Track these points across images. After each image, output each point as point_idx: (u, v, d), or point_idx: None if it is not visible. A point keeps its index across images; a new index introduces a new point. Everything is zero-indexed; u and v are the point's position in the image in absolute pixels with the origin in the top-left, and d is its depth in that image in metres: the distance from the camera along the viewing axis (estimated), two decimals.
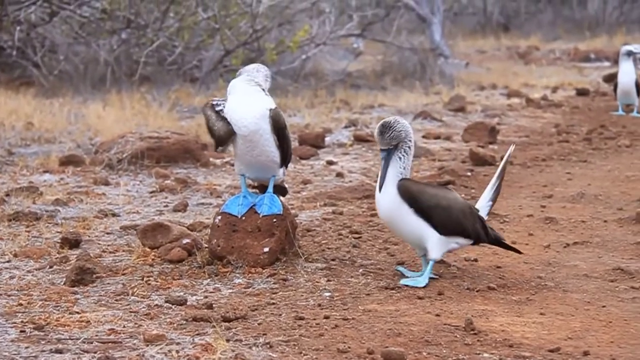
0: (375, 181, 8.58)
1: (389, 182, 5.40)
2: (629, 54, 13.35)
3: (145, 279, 5.53)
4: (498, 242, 5.70)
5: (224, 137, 5.80)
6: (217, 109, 5.83)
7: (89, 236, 6.50)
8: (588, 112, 14.06)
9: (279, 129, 5.76)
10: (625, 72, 13.34)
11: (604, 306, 5.15)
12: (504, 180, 5.86)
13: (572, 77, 19.31)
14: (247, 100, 5.74)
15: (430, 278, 5.49)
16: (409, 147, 5.40)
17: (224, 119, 5.77)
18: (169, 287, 5.39)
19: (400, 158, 5.39)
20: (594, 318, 4.95)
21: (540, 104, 14.75)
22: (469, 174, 9.00)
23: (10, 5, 14.40)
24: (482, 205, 5.74)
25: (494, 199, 5.79)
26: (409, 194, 5.38)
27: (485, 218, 5.68)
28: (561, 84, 17.67)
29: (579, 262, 6.03)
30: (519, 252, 5.82)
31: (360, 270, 5.75)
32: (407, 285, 5.43)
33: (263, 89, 5.80)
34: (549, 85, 17.35)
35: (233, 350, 4.35)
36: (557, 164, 9.72)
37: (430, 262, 5.48)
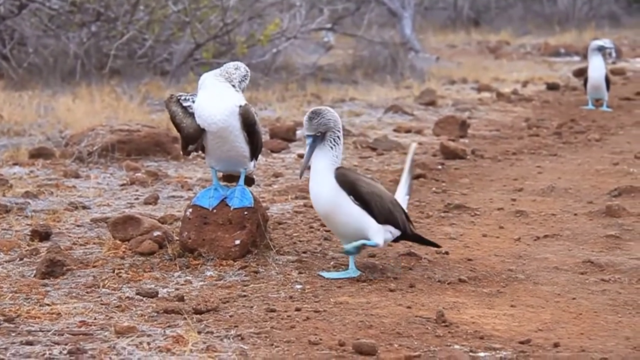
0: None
1: (325, 173, 5.39)
2: (600, 49, 13.41)
3: (116, 271, 5.51)
4: (419, 237, 5.75)
5: (194, 134, 5.77)
6: (185, 104, 5.80)
7: (59, 229, 6.48)
8: (558, 106, 14.13)
9: (248, 125, 5.73)
10: (596, 67, 13.40)
11: (574, 298, 5.18)
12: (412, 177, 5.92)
13: (542, 71, 19.38)
14: (217, 96, 5.70)
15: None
16: (338, 137, 5.39)
17: (192, 115, 5.74)
18: (140, 280, 5.38)
19: (331, 147, 5.37)
20: (564, 310, 4.98)
21: (510, 98, 14.79)
22: (439, 167, 9.03)
23: None
24: (401, 199, 5.75)
25: (409, 193, 5.88)
26: (348, 182, 5.39)
27: (405, 211, 5.71)
28: (531, 79, 17.73)
29: (549, 254, 6.06)
30: (437, 246, 5.83)
31: (332, 262, 5.76)
32: (333, 279, 5.43)
33: (234, 85, 5.77)
34: (519, 80, 17.40)
35: (204, 342, 4.35)
36: (527, 158, 9.75)
37: (371, 243, 5.47)
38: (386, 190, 5.62)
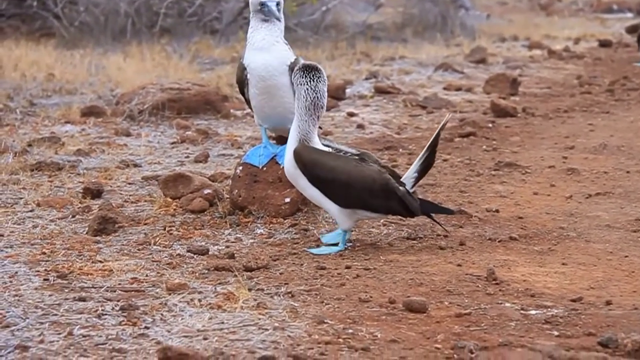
0: (397, 133, 8.62)
1: (289, 144, 5.23)
2: None
3: (167, 228, 5.55)
4: (426, 214, 5.33)
5: (240, 75, 5.81)
6: None
7: (111, 186, 6.52)
8: (610, 63, 13.96)
9: None
10: None
11: (626, 256, 5.14)
12: (436, 152, 5.39)
13: (594, 28, 19.17)
14: (266, 52, 5.71)
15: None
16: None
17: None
18: (190, 237, 5.41)
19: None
20: (617, 268, 4.95)
21: (562, 55, 14.65)
22: (490, 125, 8.97)
23: None
24: (408, 177, 5.32)
25: (420, 171, 5.31)
26: (302, 162, 5.17)
27: (411, 190, 5.30)
28: (583, 36, 17.53)
29: (601, 212, 6.01)
30: (446, 231, 5.49)
31: (382, 220, 5.74)
32: (314, 254, 5.18)
33: (283, 40, 5.76)
34: (571, 37, 17.22)
35: (255, 299, 4.37)
36: (579, 115, 9.66)
37: (341, 232, 5.28)
38: (369, 175, 5.17)
